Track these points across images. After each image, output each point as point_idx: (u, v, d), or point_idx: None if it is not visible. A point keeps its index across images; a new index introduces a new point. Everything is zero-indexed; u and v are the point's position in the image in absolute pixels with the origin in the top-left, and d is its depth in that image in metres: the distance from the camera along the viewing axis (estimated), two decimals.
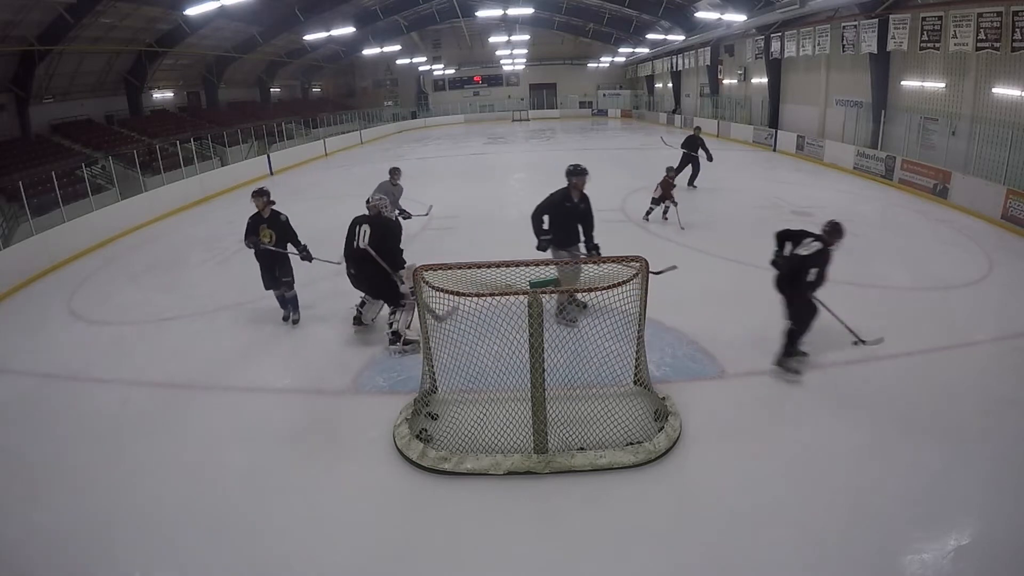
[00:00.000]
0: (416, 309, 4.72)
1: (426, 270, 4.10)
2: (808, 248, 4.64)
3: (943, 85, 12.63)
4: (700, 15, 19.37)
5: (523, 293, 3.82)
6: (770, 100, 20.50)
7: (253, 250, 6.17)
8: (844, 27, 15.06)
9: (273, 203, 6.21)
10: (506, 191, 14.31)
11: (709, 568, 3.21)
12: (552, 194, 5.87)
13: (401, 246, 5.74)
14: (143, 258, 9.90)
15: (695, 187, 13.17)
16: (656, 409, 4.41)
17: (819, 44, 16.43)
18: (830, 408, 4.58)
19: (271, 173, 19.04)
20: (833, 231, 4.69)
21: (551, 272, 4.24)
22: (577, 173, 5.82)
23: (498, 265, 4.11)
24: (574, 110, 38.38)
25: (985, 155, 10.83)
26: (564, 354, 4.17)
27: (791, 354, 5.00)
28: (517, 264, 4.15)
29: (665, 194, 9.77)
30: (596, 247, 5.90)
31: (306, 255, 6.30)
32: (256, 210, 6.13)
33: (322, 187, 16.33)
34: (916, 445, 4.09)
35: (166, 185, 14.20)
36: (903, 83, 13.95)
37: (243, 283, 8.02)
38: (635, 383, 4.60)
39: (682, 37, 23.44)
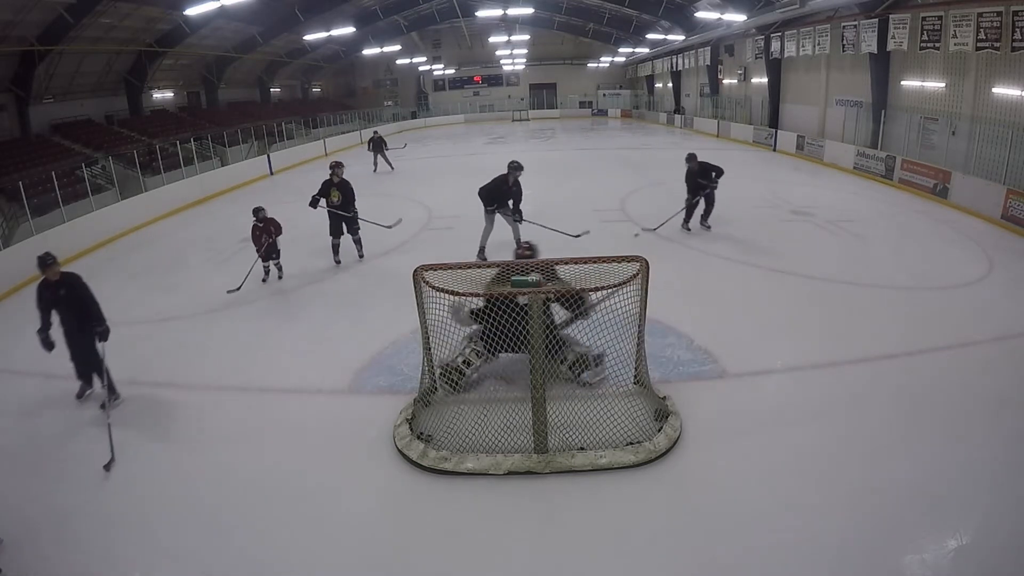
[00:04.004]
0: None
1: (426, 270, 4.10)
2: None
3: (943, 85, 12.63)
4: (700, 15, 19.36)
5: (524, 293, 3.82)
6: (770, 100, 20.50)
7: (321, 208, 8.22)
8: (844, 27, 15.06)
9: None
10: None
11: (709, 567, 3.20)
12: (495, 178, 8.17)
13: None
14: (143, 258, 9.90)
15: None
16: (656, 409, 4.41)
17: (819, 44, 16.43)
18: (830, 408, 4.58)
19: (271, 173, 19.02)
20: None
21: (535, 274, 4.22)
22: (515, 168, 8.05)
23: (498, 265, 4.12)
24: (574, 110, 38.38)
25: (985, 155, 10.83)
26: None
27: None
28: (517, 264, 4.15)
29: None
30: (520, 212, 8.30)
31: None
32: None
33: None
34: (916, 445, 4.09)
35: (166, 185, 14.18)
36: (903, 83, 13.96)
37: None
38: (635, 383, 4.60)
39: (682, 37, 23.44)
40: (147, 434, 4.63)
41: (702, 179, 8.95)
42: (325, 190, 8.24)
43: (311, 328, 6.46)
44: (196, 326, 6.73)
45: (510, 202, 8.22)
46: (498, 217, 8.30)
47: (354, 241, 8.62)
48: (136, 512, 3.75)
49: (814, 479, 3.79)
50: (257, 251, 7.66)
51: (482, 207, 8.21)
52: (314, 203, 8.27)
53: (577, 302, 4.31)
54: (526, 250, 5.16)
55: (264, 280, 7.75)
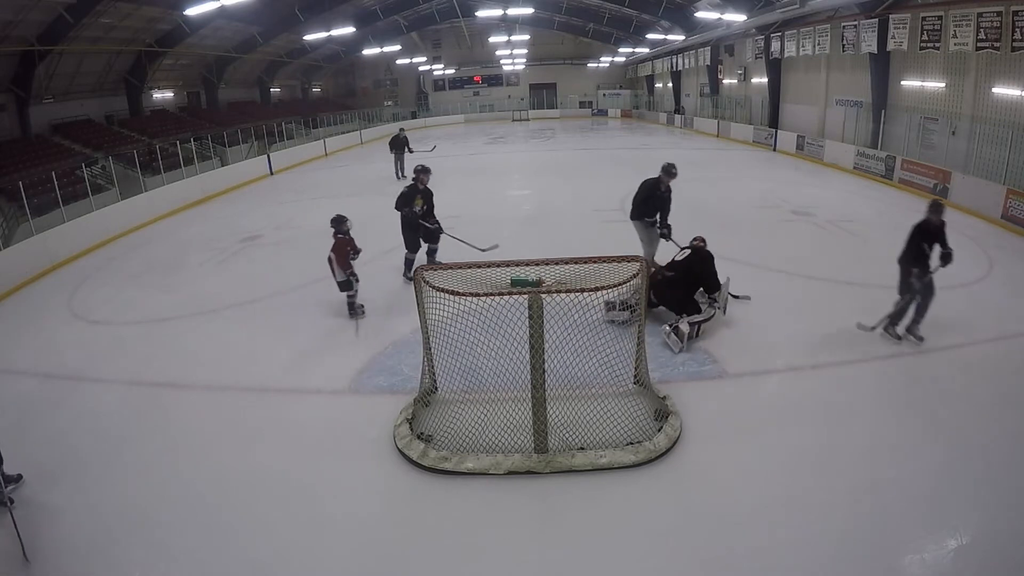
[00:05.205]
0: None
1: (426, 270, 4.11)
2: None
3: (943, 85, 12.63)
4: (700, 15, 19.35)
5: (524, 293, 3.82)
6: (770, 100, 20.50)
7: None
8: (844, 27, 15.06)
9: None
10: (506, 191, 14.31)
11: (709, 567, 3.21)
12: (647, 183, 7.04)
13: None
14: (143, 258, 9.90)
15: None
16: (656, 409, 4.41)
17: (819, 44, 16.43)
18: (829, 408, 4.58)
19: (271, 173, 19.03)
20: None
21: (535, 272, 4.22)
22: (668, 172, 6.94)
23: (498, 265, 4.11)
24: (574, 110, 38.41)
25: (985, 155, 10.83)
26: (564, 353, 4.17)
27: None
28: (518, 264, 4.14)
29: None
30: (669, 227, 7.06)
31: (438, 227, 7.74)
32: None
33: (322, 187, 16.32)
34: (916, 445, 4.09)
35: (166, 185, 14.20)
36: (903, 83, 13.95)
37: (243, 283, 8.04)
38: (635, 383, 4.60)
39: (682, 37, 23.43)
40: (146, 434, 4.63)
41: (927, 242, 5.50)
42: (411, 196, 7.45)
43: (311, 328, 6.46)
44: (196, 326, 6.73)
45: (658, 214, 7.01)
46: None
47: (428, 252, 7.80)
48: (136, 512, 3.75)
49: (814, 479, 3.79)
50: (344, 272, 6.28)
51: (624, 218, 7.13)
52: (405, 206, 7.37)
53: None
54: (701, 240, 5.97)
55: (363, 315, 6.46)
